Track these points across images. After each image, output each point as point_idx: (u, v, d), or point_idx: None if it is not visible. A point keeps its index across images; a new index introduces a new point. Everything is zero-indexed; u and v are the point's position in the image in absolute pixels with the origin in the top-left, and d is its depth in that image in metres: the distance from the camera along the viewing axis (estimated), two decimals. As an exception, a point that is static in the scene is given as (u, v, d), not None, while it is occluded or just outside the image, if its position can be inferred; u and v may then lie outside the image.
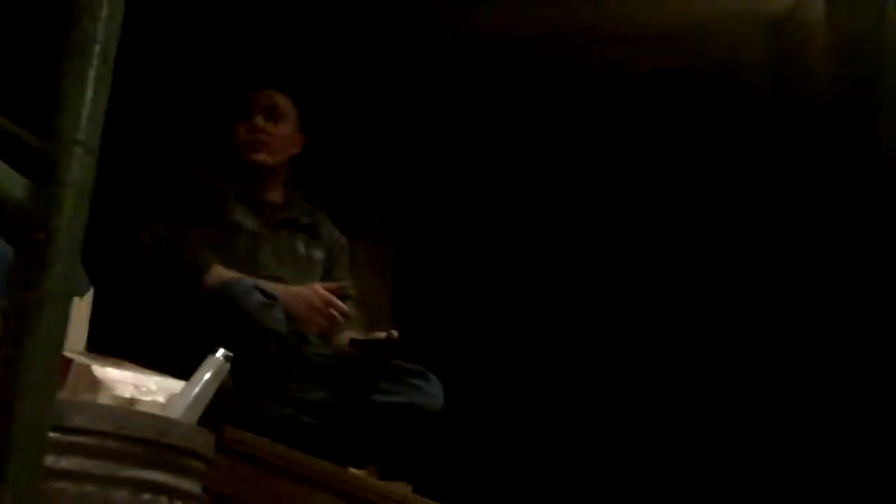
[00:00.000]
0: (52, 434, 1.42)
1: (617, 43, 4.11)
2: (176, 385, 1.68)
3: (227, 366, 1.73)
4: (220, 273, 2.59)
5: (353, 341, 2.72)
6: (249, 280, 2.57)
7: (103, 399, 1.57)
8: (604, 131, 4.40)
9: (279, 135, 2.91)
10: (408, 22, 4.16)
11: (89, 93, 1.11)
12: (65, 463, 1.43)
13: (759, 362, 4.25)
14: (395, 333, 2.69)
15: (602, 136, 4.41)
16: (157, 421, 1.54)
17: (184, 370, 1.77)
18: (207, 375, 1.69)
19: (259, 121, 2.88)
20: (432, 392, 2.71)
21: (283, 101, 2.93)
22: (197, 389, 1.67)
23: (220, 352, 1.72)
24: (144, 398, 1.62)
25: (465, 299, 4.39)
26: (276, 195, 2.94)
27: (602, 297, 4.42)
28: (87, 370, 1.57)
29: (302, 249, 2.89)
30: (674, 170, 4.37)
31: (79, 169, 1.09)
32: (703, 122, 4.21)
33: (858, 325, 4.14)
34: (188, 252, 2.61)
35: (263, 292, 2.52)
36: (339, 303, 2.69)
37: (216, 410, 1.89)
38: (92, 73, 1.11)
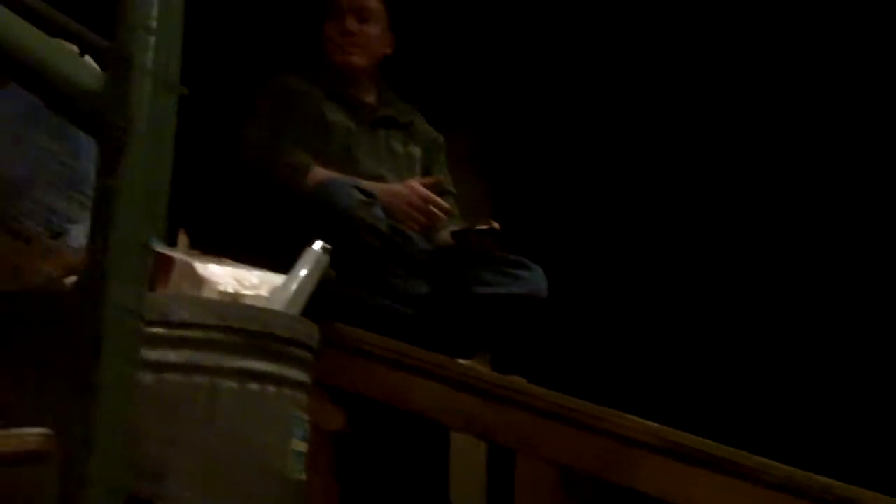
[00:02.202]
0: (157, 329, 1.47)
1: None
2: (277, 279, 1.71)
3: (327, 257, 1.75)
4: (319, 173, 2.60)
5: (454, 233, 2.71)
6: (348, 179, 2.58)
7: (207, 294, 1.60)
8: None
9: (371, 35, 2.86)
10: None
11: (156, -19, 1.11)
12: (172, 356, 1.47)
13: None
14: (495, 224, 2.68)
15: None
16: (259, 312, 1.57)
17: (285, 268, 1.80)
18: (308, 267, 1.72)
19: (351, 23, 2.84)
20: (535, 281, 2.70)
21: (373, 2, 2.89)
22: (298, 281, 1.70)
23: (318, 244, 1.74)
24: (247, 292, 1.64)
25: (561, 191, 4.37)
26: (370, 95, 2.91)
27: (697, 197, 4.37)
28: (190, 267, 1.60)
29: (400, 147, 2.88)
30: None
31: (152, 56, 1.10)
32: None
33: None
34: (287, 154, 2.62)
35: (362, 190, 2.53)
36: (438, 199, 2.69)
37: (324, 306, 1.92)
38: (158, -39, 1.11)
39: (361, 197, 2.52)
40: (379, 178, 2.73)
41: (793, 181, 4.28)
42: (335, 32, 2.85)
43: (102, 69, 1.23)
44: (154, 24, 1.09)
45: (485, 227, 2.69)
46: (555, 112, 4.42)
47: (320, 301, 1.83)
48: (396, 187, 2.69)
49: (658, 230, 4.34)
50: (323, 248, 1.74)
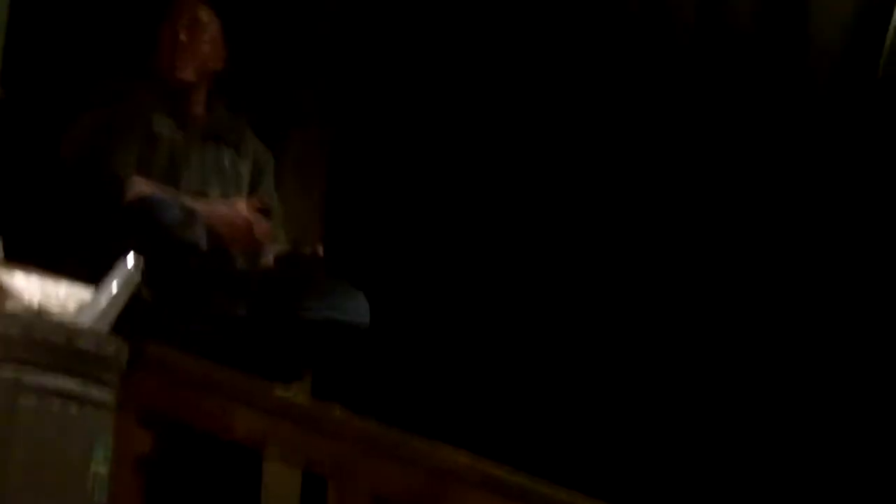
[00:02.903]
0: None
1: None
2: (86, 293, 1.64)
3: (139, 273, 1.69)
4: (139, 185, 2.53)
5: (276, 258, 2.68)
6: (170, 195, 2.52)
7: (10, 306, 1.53)
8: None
9: (202, 51, 2.84)
10: None
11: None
12: (-33, 368, 1.39)
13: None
14: (319, 250, 2.66)
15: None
16: (64, 327, 1.51)
17: (95, 282, 1.73)
18: (119, 282, 1.65)
19: (183, 36, 2.80)
20: (357, 308, 2.69)
21: (205, 14, 2.86)
22: (108, 296, 1.63)
23: (131, 259, 1.68)
24: (53, 306, 1.57)
25: (393, 218, 4.35)
26: (199, 108, 2.87)
27: (525, 215, 4.40)
28: (-8, 276, 1.52)
29: (228, 164, 2.84)
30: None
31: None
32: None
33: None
34: (108, 162, 2.55)
35: (183, 208, 2.47)
36: (262, 221, 2.66)
37: (137, 326, 1.85)
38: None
39: (181, 214, 2.46)
40: (204, 195, 2.68)
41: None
42: (167, 43, 2.81)
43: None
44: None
45: (308, 252, 2.68)
46: (388, 133, 4.40)
47: (132, 320, 1.77)
48: (220, 208, 2.65)
49: (480, 259, 4.37)
50: (136, 264, 1.68)
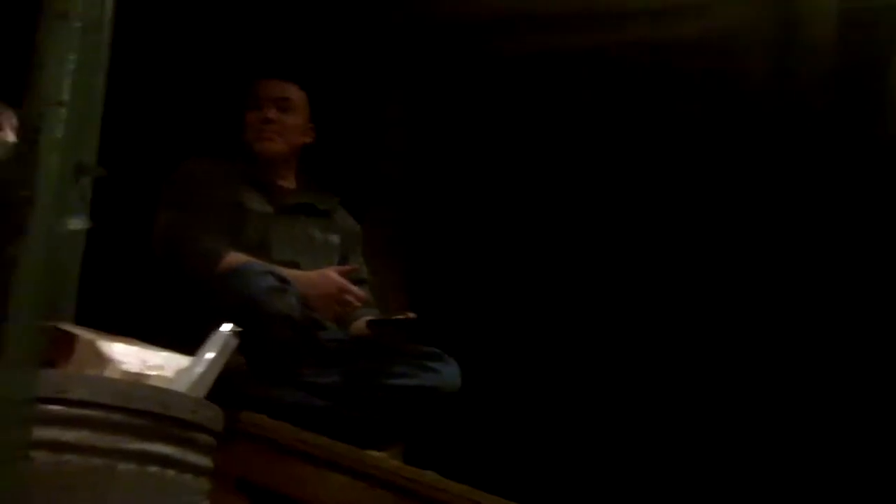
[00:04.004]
0: (56, 407, 1.44)
1: (614, 17, 4.09)
2: (183, 360, 1.69)
3: (235, 341, 1.73)
4: (233, 257, 2.59)
5: (371, 322, 2.70)
6: (262, 264, 2.57)
7: (110, 373, 1.57)
8: (607, 110, 4.39)
9: (290, 124, 2.90)
10: (409, 8, 4.16)
11: (71, 56, 1.11)
12: (69, 436, 1.44)
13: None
14: (412, 314, 2.68)
15: (607, 116, 4.40)
16: (161, 394, 1.55)
17: (192, 350, 1.78)
18: (215, 350, 1.70)
19: (270, 111, 2.87)
20: (449, 374, 2.70)
21: (293, 91, 2.92)
22: (203, 364, 1.67)
23: (227, 327, 1.72)
24: (151, 373, 1.62)
25: (476, 284, 4.40)
26: (288, 182, 2.93)
27: (611, 280, 4.45)
28: (93, 345, 1.57)
29: (318, 235, 2.88)
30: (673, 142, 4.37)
31: (62, 129, 1.10)
32: (703, 95, 4.19)
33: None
34: (200, 239, 2.61)
35: (276, 276, 2.52)
36: (354, 288, 2.69)
37: (232, 395, 1.89)
38: (72, 37, 1.12)
39: (275, 283, 2.50)
40: (295, 266, 2.72)
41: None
42: (255, 119, 2.88)
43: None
44: (65, 97, 1.10)
45: (402, 317, 2.70)
46: (470, 206, 4.48)
47: (227, 387, 1.80)
48: (312, 275, 2.69)
49: (567, 327, 4.40)
50: (232, 332, 1.73)
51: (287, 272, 2.60)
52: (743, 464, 4.21)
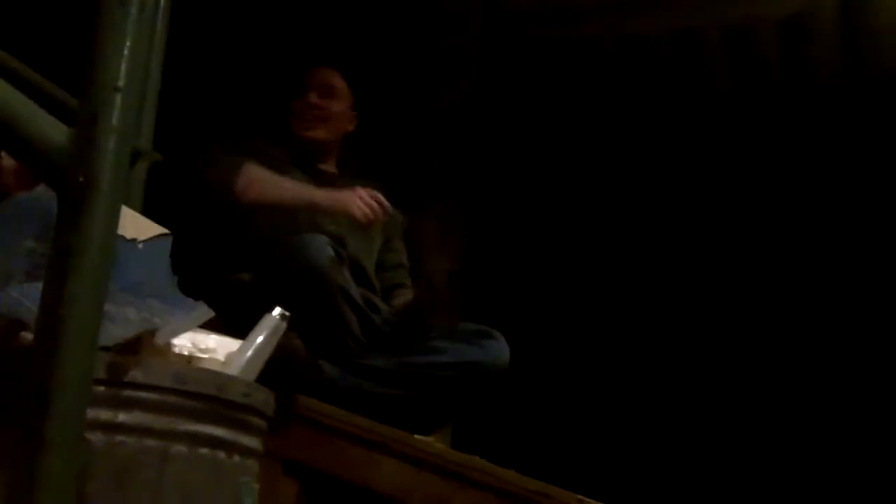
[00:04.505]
0: (110, 389, 1.46)
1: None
2: (234, 343, 1.71)
3: (284, 324, 1.75)
4: (257, 172, 2.60)
5: (394, 310, 2.73)
6: (321, 237, 2.53)
7: (163, 355, 1.59)
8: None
9: (334, 111, 2.95)
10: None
11: (128, 42, 1.12)
12: (123, 417, 1.46)
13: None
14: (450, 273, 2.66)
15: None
16: (214, 376, 1.56)
17: (244, 332, 1.79)
18: (264, 334, 1.71)
19: (315, 98, 2.92)
20: (498, 350, 2.68)
21: (337, 80, 2.97)
22: (254, 347, 1.69)
23: (277, 310, 1.74)
24: (203, 355, 1.64)
25: (531, 276, 4.42)
26: (331, 167, 2.97)
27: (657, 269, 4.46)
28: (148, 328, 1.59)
29: None
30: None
31: (119, 115, 1.11)
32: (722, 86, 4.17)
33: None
34: (224, 158, 2.64)
35: (334, 247, 2.49)
36: (382, 198, 2.65)
37: (286, 377, 1.90)
38: (130, 23, 1.13)
39: (334, 255, 2.50)
40: (341, 240, 2.70)
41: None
42: (300, 106, 2.94)
43: (70, 126, 1.24)
44: (121, 83, 1.11)
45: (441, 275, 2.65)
46: (525, 199, 4.49)
47: (279, 369, 1.82)
48: (339, 192, 2.67)
49: (615, 313, 4.40)
50: (281, 315, 1.74)
51: (314, 191, 2.61)
52: (779, 457, 4.20)
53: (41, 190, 1.57)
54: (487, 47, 4.29)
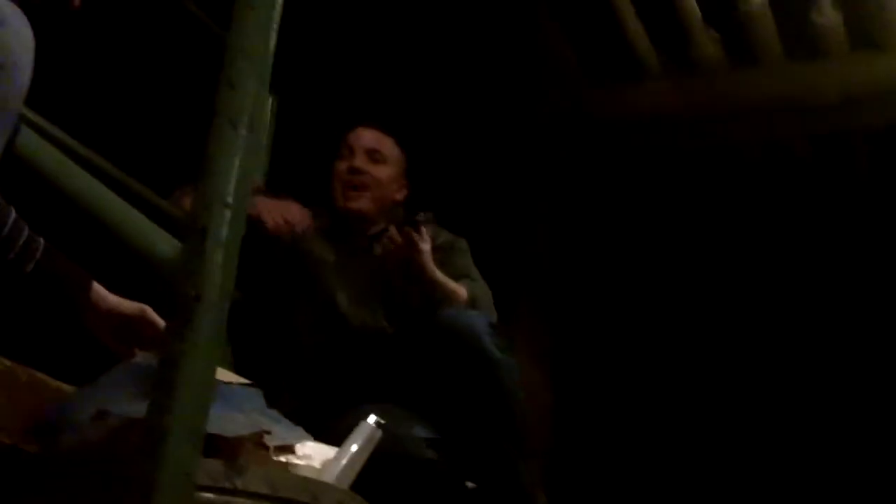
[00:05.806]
0: (208, 495, 1.48)
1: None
2: (330, 451, 1.72)
3: (379, 433, 1.76)
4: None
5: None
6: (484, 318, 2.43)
7: (260, 461, 1.61)
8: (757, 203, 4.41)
9: (380, 178, 2.68)
10: (556, 100, 4.23)
11: (237, 161, 1.17)
12: (221, 522, 1.47)
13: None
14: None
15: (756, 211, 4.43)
16: (310, 484, 1.58)
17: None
18: (360, 442, 1.73)
19: (360, 161, 2.67)
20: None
21: (387, 144, 2.73)
22: (349, 455, 1.70)
23: (372, 418, 1.76)
24: (299, 462, 1.65)
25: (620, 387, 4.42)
26: (365, 241, 2.71)
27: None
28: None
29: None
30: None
31: (228, 230, 1.15)
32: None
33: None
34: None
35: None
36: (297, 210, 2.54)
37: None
38: (240, 142, 1.18)
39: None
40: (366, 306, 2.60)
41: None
42: (343, 168, 2.69)
43: (178, 239, 1.29)
44: (230, 199, 1.15)
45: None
46: (615, 302, 4.49)
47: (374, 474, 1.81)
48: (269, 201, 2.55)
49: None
50: (377, 423, 1.76)
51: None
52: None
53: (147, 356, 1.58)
54: (576, 155, 4.34)
